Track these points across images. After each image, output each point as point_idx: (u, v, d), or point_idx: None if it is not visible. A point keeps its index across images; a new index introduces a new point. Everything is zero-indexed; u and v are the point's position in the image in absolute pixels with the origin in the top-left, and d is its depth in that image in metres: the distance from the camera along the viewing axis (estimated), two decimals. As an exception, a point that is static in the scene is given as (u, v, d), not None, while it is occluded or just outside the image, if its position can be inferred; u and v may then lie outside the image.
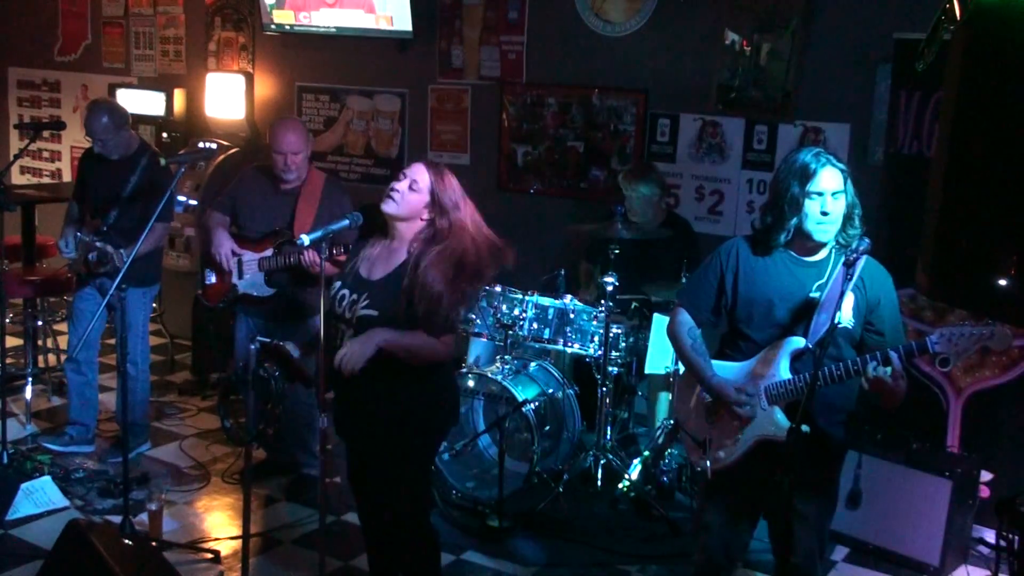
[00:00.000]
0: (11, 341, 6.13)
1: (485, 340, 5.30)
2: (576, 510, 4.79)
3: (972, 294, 1.75)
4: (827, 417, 3.13)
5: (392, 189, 3.28)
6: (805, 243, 3.16)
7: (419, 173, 3.28)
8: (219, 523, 4.68)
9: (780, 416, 3.12)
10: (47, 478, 4.79)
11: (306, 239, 3.37)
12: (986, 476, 4.60)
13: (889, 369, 2.96)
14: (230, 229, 4.86)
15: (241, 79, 7.33)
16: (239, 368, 3.46)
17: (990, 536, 4.47)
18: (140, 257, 4.52)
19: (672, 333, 3.37)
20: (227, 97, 7.33)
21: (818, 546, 3.28)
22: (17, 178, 8.57)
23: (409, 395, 3.31)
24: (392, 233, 3.35)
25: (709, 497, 3.41)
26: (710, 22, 5.67)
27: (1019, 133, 1.62)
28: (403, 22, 6.50)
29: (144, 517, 4.43)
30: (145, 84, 7.90)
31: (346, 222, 3.40)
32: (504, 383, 4.78)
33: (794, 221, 3.10)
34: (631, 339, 5.09)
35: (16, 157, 5.44)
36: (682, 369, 3.85)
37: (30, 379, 5.91)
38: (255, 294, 4.81)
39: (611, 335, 4.91)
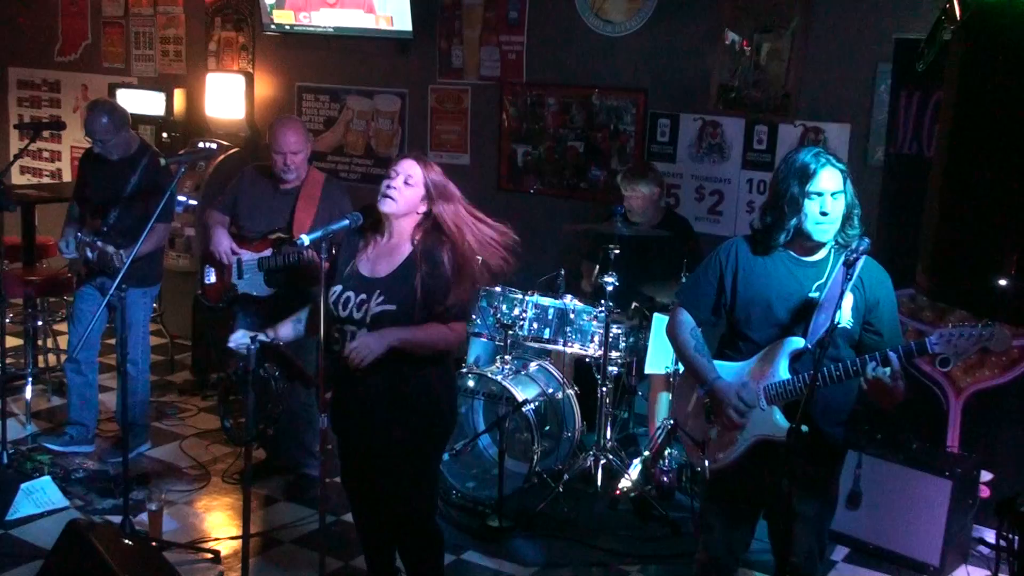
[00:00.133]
0: (11, 341, 6.13)
1: (485, 340, 5.30)
2: (576, 510, 4.79)
3: (972, 294, 1.75)
4: (826, 417, 3.13)
5: (388, 188, 3.30)
6: (804, 243, 3.16)
7: (410, 167, 3.33)
8: (219, 523, 4.68)
9: (779, 416, 3.12)
10: (47, 478, 4.79)
11: (306, 239, 3.37)
12: (986, 476, 4.60)
13: (888, 370, 2.96)
14: (230, 229, 4.86)
15: (241, 79, 7.34)
16: (239, 368, 3.46)
17: (990, 536, 4.47)
18: (140, 257, 4.53)
19: (672, 333, 3.36)
20: (227, 97, 7.33)
21: (818, 546, 3.29)
22: (17, 178, 8.58)
23: (412, 394, 3.31)
24: (389, 230, 3.38)
25: (709, 497, 3.42)
26: (710, 22, 5.66)
27: (1019, 133, 1.63)
28: (403, 22, 6.50)
29: (144, 517, 4.43)
30: (145, 84, 7.90)
31: (346, 222, 3.40)
32: (504, 383, 4.78)
33: (793, 221, 3.09)
34: (631, 339, 5.09)
35: (16, 157, 5.43)
36: (682, 369, 3.85)
37: (30, 379, 5.90)
38: (254, 294, 4.81)
39: (611, 335, 4.91)
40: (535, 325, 5.06)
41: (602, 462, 4.97)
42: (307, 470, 5.09)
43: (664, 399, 5.10)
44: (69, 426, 5.34)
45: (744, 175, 5.68)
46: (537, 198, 6.37)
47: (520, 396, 4.75)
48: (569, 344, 5.04)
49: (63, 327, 6.41)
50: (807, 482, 3.03)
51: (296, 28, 7.02)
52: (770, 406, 3.14)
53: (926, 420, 4.71)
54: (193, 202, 6.66)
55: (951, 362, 3.07)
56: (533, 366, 5.06)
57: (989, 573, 4.29)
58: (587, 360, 5.15)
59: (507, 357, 4.99)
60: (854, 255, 3.03)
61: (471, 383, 4.96)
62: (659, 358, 4.92)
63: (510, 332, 5.02)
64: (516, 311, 5.04)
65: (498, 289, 5.05)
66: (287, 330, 3.54)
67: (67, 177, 8.45)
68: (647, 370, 5.02)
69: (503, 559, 4.39)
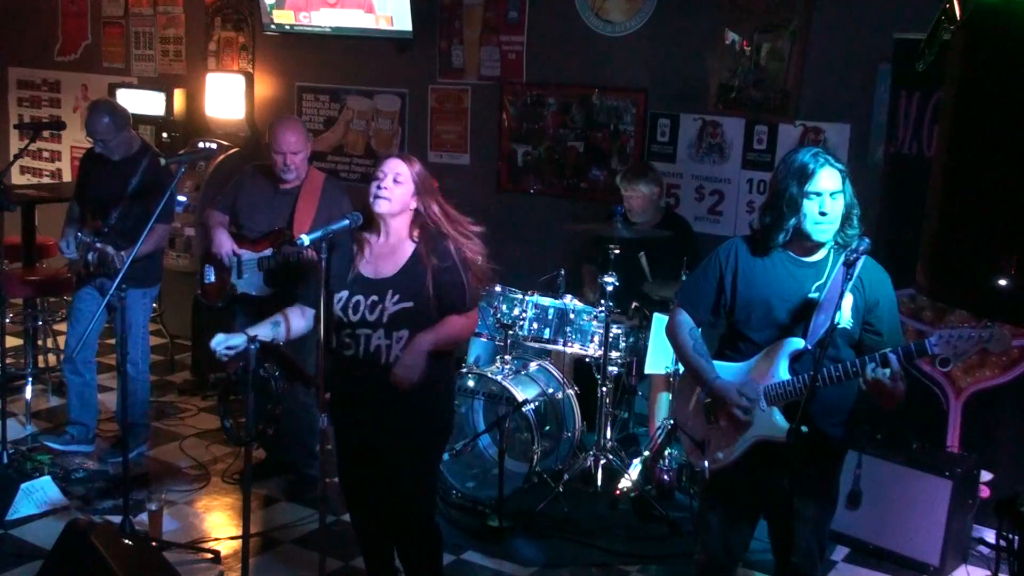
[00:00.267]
0: (11, 341, 6.12)
1: (485, 340, 5.30)
2: (576, 510, 4.79)
3: (972, 294, 1.75)
4: (826, 417, 3.13)
5: (379, 188, 3.32)
6: (804, 243, 3.15)
7: (397, 166, 3.36)
8: (219, 523, 4.68)
9: (779, 417, 3.12)
10: (47, 478, 4.79)
11: (306, 239, 3.37)
12: (986, 476, 4.60)
13: (888, 371, 2.95)
14: (229, 229, 4.86)
15: (241, 79, 7.33)
16: (239, 368, 3.45)
17: (990, 536, 4.47)
18: (140, 257, 4.53)
19: (671, 333, 3.36)
20: (227, 97, 7.33)
21: (818, 546, 3.28)
22: (17, 178, 8.57)
23: (412, 394, 3.30)
24: (385, 230, 3.40)
25: (709, 497, 3.42)
26: (710, 22, 5.66)
27: (1019, 133, 1.62)
28: (403, 22, 6.50)
29: (144, 517, 4.43)
30: (145, 84, 7.90)
31: (346, 222, 3.40)
32: (504, 383, 4.78)
33: (793, 221, 3.09)
34: (631, 339, 5.09)
35: (16, 157, 5.43)
36: (682, 369, 3.85)
37: (30, 379, 5.91)
38: (254, 293, 4.81)
39: (611, 335, 4.91)
40: (535, 325, 5.06)
41: (602, 462, 4.97)
42: (307, 470, 5.08)
43: (664, 399, 5.10)
44: (70, 426, 5.34)
45: (744, 175, 5.68)
46: (537, 198, 6.37)
47: (520, 396, 4.75)
48: (569, 344, 5.04)
49: (63, 327, 6.40)
50: (807, 482, 3.03)
51: (296, 28, 7.02)
52: (770, 407, 3.14)
53: (926, 420, 4.71)
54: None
55: (951, 362, 3.06)
56: (533, 366, 5.06)
57: (989, 573, 4.29)
58: (587, 360, 5.14)
59: (507, 357, 4.99)
60: (854, 255, 3.03)
61: (471, 383, 4.96)
62: (659, 358, 4.92)
63: (510, 332, 5.02)
64: (516, 311, 5.04)
65: (498, 289, 5.05)
66: (264, 332, 3.42)
67: (67, 177, 8.45)
68: (647, 370, 5.02)
69: (503, 559, 4.39)
